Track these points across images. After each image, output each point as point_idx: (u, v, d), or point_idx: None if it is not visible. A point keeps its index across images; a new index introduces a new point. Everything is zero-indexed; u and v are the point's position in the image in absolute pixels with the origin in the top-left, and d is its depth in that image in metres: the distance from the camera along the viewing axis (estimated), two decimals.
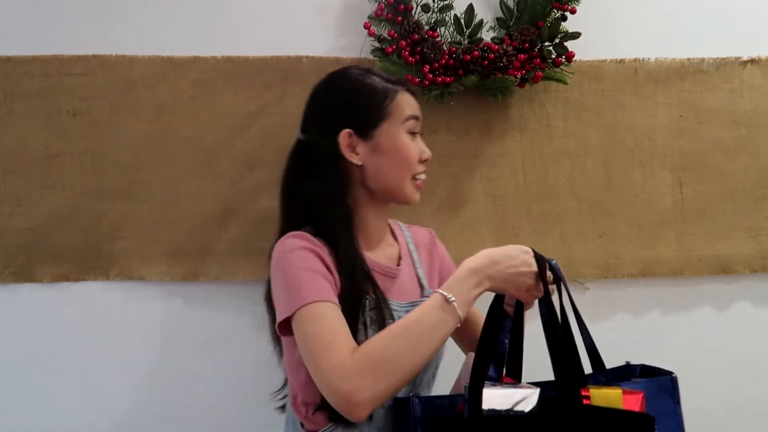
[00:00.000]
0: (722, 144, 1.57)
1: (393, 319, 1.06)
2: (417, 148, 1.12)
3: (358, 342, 0.97)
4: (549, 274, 1.00)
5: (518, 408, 0.90)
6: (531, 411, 0.90)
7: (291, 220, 1.12)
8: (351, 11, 1.52)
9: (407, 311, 1.07)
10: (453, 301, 0.95)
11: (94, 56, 1.48)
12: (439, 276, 1.26)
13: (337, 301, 0.99)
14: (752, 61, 1.57)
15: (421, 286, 1.19)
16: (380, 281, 1.10)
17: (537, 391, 0.92)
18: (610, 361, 1.09)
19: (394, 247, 1.20)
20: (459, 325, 0.96)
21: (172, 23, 1.50)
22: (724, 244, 1.56)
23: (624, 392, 0.92)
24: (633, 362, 1.12)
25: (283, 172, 1.17)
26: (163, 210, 1.48)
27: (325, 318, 0.96)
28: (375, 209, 1.14)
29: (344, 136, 1.09)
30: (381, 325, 1.03)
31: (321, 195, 1.09)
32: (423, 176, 1.14)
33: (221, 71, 1.49)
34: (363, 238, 1.13)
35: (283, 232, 1.11)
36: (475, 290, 0.97)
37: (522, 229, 1.54)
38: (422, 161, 1.13)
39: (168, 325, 1.50)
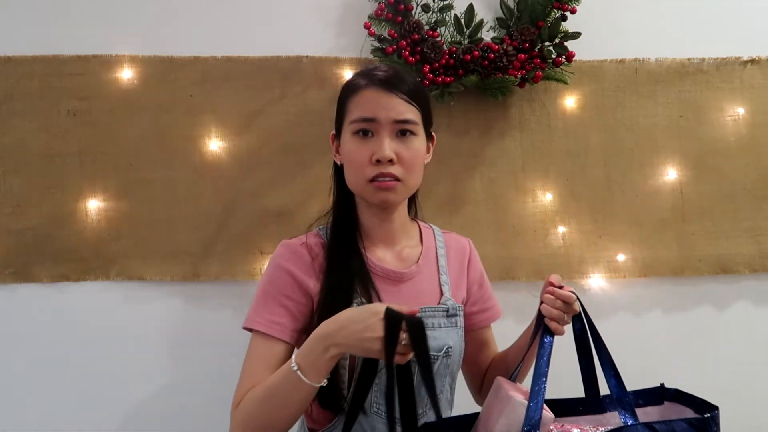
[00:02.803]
0: (722, 144, 1.57)
1: None
2: (366, 149, 1.04)
3: None
4: (404, 335, 0.88)
5: None
6: None
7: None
8: (351, 11, 1.52)
9: None
10: (296, 369, 0.92)
11: (94, 56, 1.48)
12: (468, 289, 1.19)
13: (283, 334, 1.04)
14: (752, 61, 1.57)
15: (441, 293, 1.13)
16: (381, 284, 1.09)
17: None
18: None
19: (414, 249, 1.16)
20: (324, 385, 0.93)
21: (172, 23, 1.50)
22: (724, 244, 1.56)
23: None
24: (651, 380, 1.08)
25: None
26: (163, 210, 1.48)
27: (253, 354, 1.04)
28: (370, 209, 1.13)
29: (331, 137, 1.14)
30: None
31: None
32: (385, 178, 1.04)
33: (221, 71, 1.49)
34: (366, 239, 1.13)
35: None
36: (324, 356, 0.91)
37: (522, 228, 1.54)
38: (375, 162, 1.04)
39: (168, 325, 1.50)
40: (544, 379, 0.96)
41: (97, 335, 1.48)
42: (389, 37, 1.45)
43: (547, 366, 0.98)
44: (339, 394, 1.04)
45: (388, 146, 1.03)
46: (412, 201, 1.21)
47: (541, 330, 1.03)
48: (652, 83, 1.56)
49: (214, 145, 1.49)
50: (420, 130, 1.07)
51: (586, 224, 1.55)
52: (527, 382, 1.05)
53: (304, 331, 1.04)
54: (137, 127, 1.48)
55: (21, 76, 1.46)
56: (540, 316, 1.05)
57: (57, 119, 1.47)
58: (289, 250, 1.10)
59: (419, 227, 1.21)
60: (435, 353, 1.07)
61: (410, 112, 1.05)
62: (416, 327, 0.88)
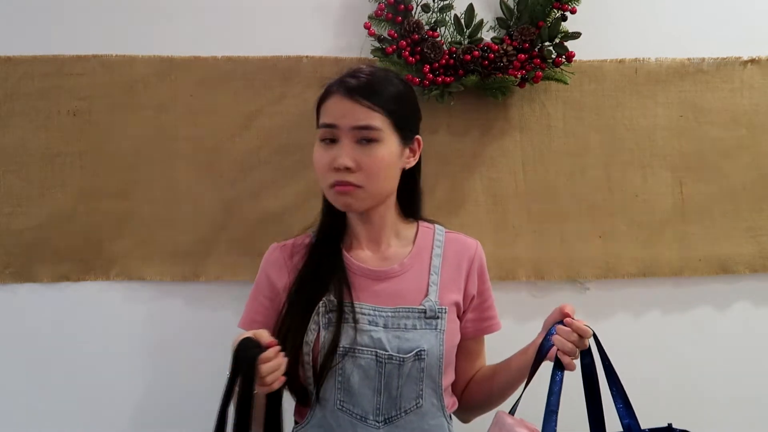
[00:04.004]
0: (722, 144, 1.56)
1: (357, 323, 1.06)
2: (328, 155, 1.06)
3: (307, 343, 1.05)
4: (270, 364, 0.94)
5: None
6: None
7: None
8: (351, 11, 1.51)
9: (386, 316, 1.08)
10: None
11: (94, 56, 1.48)
12: (465, 294, 1.16)
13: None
14: (752, 61, 1.57)
15: (426, 294, 1.11)
16: (359, 282, 1.10)
17: None
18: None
19: (403, 248, 1.16)
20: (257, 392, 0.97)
21: (172, 23, 1.50)
22: (724, 244, 1.56)
23: None
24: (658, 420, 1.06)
25: None
26: (163, 210, 1.48)
27: None
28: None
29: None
30: (337, 328, 1.05)
31: None
32: (343, 185, 1.05)
33: (221, 71, 1.49)
34: (350, 238, 1.16)
35: None
36: None
37: (522, 229, 1.54)
38: (334, 169, 1.05)
39: (168, 325, 1.50)
40: (554, 417, 0.94)
41: (97, 335, 1.48)
42: (389, 37, 1.45)
43: (558, 403, 0.95)
44: (306, 389, 1.08)
45: (347, 154, 1.04)
46: (410, 201, 1.21)
47: (554, 365, 0.99)
48: (652, 83, 1.56)
49: (214, 145, 1.49)
50: (386, 135, 1.06)
51: (586, 224, 1.55)
52: (525, 412, 1.04)
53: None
54: (137, 127, 1.48)
55: (21, 76, 1.46)
56: (543, 347, 1.02)
57: (57, 119, 1.47)
58: (269, 253, 1.19)
59: (417, 227, 1.20)
60: (402, 355, 1.05)
61: (372, 119, 1.05)
62: (241, 361, 0.92)
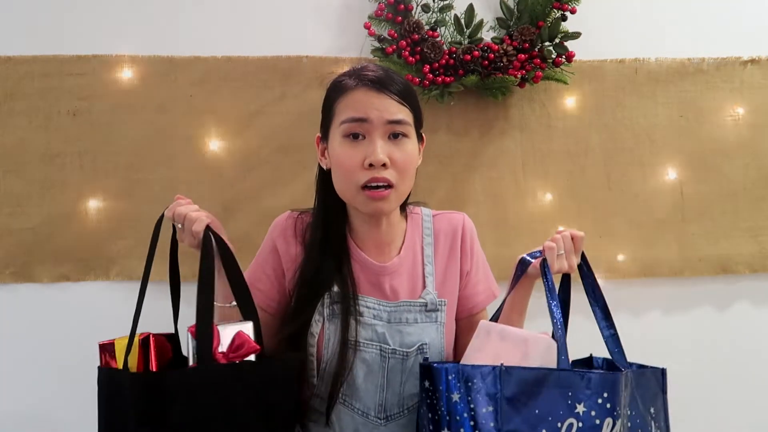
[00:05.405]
0: (722, 144, 1.57)
1: (361, 316, 1.04)
2: (357, 153, 1.00)
3: (312, 334, 1.04)
4: None
5: None
6: None
7: None
8: (351, 11, 1.52)
9: (389, 311, 1.06)
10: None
11: (94, 56, 1.48)
12: (461, 273, 1.14)
13: (262, 301, 1.11)
14: (752, 61, 1.57)
15: (424, 286, 1.10)
16: (363, 275, 1.08)
17: None
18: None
19: (399, 240, 1.13)
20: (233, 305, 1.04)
21: (172, 23, 1.50)
22: (724, 244, 1.56)
23: None
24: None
25: None
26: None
27: None
28: (360, 216, 1.10)
29: (316, 140, 1.11)
30: (344, 320, 1.03)
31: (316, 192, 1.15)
32: (378, 183, 1.00)
33: (221, 71, 1.49)
34: (354, 233, 1.12)
35: None
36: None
37: (522, 229, 1.54)
38: (368, 167, 0.99)
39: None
40: (564, 348, 0.97)
41: (97, 335, 1.47)
42: (389, 37, 1.45)
43: (564, 334, 0.99)
44: (309, 383, 1.06)
45: (381, 149, 0.99)
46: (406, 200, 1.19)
47: (547, 296, 1.03)
48: (652, 83, 1.56)
49: (214, 145, 1.49)
50: (412, 131, 1.04)
51: (586, 224, 1.54)
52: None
53: (284, 305, 1.11)
54: (137, 127, 1.48)
55: (21, 76, 1.46)
56: (522, 263, 1.10)
57: (57, 119, 1.47)
58: (281, 219, 1.16)
59: (406, 215, 1.15)
60: (406, 349, 1.05)
61: (402, 113, 1.02)
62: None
